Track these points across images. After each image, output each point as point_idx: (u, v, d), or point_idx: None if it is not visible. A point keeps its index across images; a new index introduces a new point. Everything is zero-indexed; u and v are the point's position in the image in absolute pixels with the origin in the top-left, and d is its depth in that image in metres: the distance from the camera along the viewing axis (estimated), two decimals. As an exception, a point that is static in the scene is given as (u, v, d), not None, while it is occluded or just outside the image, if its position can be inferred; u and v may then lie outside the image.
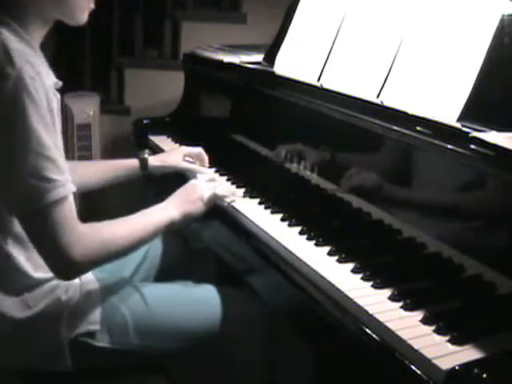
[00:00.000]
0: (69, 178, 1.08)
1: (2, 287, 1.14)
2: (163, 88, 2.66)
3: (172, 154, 1.73)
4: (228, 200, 1.49)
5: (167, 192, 1.39)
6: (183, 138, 2.08)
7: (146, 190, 1.98)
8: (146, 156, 1.66)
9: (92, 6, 1.18)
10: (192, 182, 1.44)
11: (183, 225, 1.37)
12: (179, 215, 1.31)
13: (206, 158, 1.73)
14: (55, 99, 1.10)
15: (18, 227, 1.11)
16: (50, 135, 1.05)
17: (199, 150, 1.73)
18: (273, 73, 1.75)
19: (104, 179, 1.59)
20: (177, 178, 1.67)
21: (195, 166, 1.70)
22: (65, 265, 1.08)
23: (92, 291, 1.22)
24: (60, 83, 1.17)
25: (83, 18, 1.18)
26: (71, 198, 1.09)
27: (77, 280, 1.21)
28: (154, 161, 1.66)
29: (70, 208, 1.08)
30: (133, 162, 1.65)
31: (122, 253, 1.20)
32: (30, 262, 1.15)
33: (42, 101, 1.04)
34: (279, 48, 1.79)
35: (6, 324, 1.14)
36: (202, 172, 1.66)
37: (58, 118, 1.11)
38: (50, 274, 1.15)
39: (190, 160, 1.71)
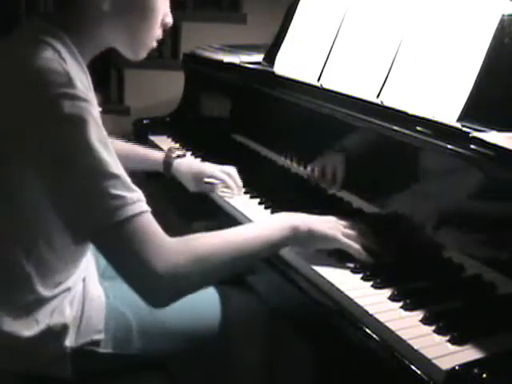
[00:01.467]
0: (141, 196, 1.00)
1: (11, 304, 1.10)
2: (163, 88, 2.66)
3: (196, 171, 1.62)
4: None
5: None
6: (183, 137, 2.08)
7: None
8: (172, 159, 1.64)
9: (155, 45, 1.15)
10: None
11: (305, 242, 1.19)
12: (305, 227, 1.16)
13: (231, 184, 1.58)
14: None
15: (42, 248, 1.07)
16: (111, 155, 0.99)
17: (222, 175, 1.59)
18: (273, 73, 1.75)
19: (130, 162, 1.49)
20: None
21: (212, 188, 1.58)
22: (152, 285, 0.98)
23: (96, 299, 1.19)
24: (100, 109, 1.16)
25: (143, 55, 1.15)
26: (148, 215, 0.99)
27: (80, 291, 1.18)
28: (177, 167, 1.63)
29: (148, 222, 0.98)
30: (159, 158, 1.65)
31: (223, 270, 1.07)
32: (43, 282, 1.10)
33: (99, 120, 1.00)
34: (279, 48, 1.79)
35: (13, 342, 1.10)
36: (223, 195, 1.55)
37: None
38: (58, 290, 1.12)
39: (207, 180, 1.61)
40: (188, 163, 1.68)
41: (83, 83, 1.02)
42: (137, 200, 0.98)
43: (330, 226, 1.20)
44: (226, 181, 1.57)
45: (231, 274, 1.12)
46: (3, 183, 1.05)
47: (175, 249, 0.99)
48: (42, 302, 1.12)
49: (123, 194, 0.97)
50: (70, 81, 0.97)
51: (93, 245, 1.05)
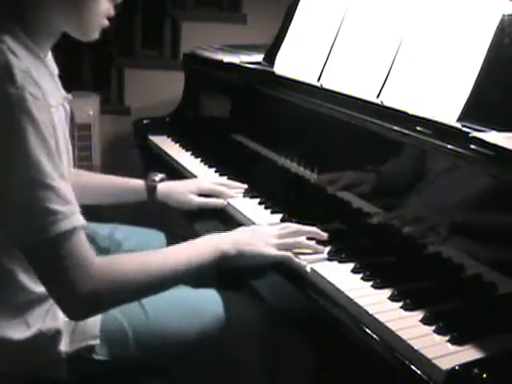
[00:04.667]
0: (76, 209, 0.99)
1: (4, 310, 1.09)
2: (163, 88, 2.66)
3: (182, 189, 1.54)
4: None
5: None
6: (183, 137, 2.08)
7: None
8: (156, 183, 1.53)
9: (106, 22, 1.10)
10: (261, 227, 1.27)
11: (236, 262, 1.19)
12: (233, 250, 1.16)
13: (233, 186, 1.57)
14: (63, 114, 1.04)
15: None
16: (52, 163, 0.95)
17: (219, 188, 1.55)
18: (273, 73, 1.75)
19: (107, 196, 1.51)
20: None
21: (210, 201, 1.52)
22: (70, 302, 1.00)
23: None
24: (70, 97, 1.10)
25: (94, 34, 1.10)
26: (79, 232, 0.98)
27: None
28: (162, 190, 1.53)
29: (77, 240, 0.97)
30: (140, 186, 1.53)
31: (140, 294, 1.11)
32: (31, 277, 1.09)
33: (46, 124, 0.96)
34: (279, 48, 1.79)
35: (3, 346, 1.09)
36: (221, 204, 1.51)
37: (65, 138, 1.04)
38: None
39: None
40: (178, 183, 1.58)
41: (33, 78, 0.95)
42: (70, 214, 0.97)
43: (261, 240, 1.20)
44: (228, 193, 1.53)
45: (154, 294, 1.12)
46: None
47: (98, 272, 1.00)
48: (34, 302, 1.10)
49: (57, 208, 0.95)
50: (10, 76, 0.92)
51: (23, 254, 1.02)
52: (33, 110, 0.93)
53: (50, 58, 1.18)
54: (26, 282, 1.09)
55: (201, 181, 1.61)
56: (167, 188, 1.55)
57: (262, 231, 1.24)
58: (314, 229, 1.25)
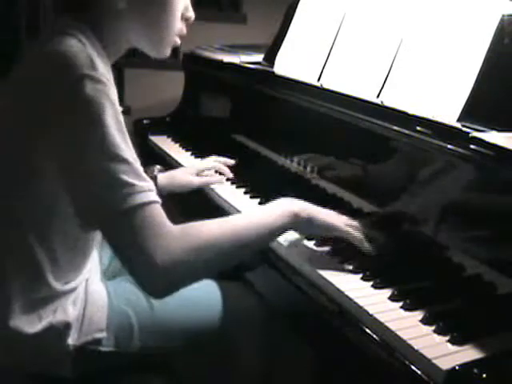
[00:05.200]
0: (152, 187, 1.01)
1: (22, 297, 1.09)
2: (163, 88, 2.66)
3: (183, 172, 1.67)
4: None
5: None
6: (183, 137, 2.08)
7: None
8: (156, 173, 1.60)
9: (178, 41, 1.16)
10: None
11: (305, 229, 1.21)
12: (305, 214, 1.17)
13: (224, 167, 1.69)
14: None
15: (54, 238, 1.07)
16: (127, 143, 1.00)
17: (212, 162, 1.70)
18: (273, 73, 1.75)
19: None
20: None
21: (209, 179, 1.66)
22: (151, 275, 0.98)
23: (98, 298, 1.19)
24: (121, 109, 1.15)
25: (167, 52, 1.16)
26: (156, 206, 0.99)
27: (83, 290, 1.17)
28: (162, 179, 1.60)
29: (154, 213, 0.98)
30: None
31: (223, 260, 1.07)
32: (55, 273, 1.10)
33: (119, 108, 1.01)
34: (279, 48, 1.79)
35: (14, 338, 1.09)
36: (220, 182, 1.64)
37: None
38: (67, 287, 1.12)
39: (204, 174, 1.68)
40: (176, 170, 1.68)
41: (106, 74, 1.02)
42: (147, 189, 0.99)
43: (331, 215, 1.21)
44: (205, 183, 1.63)
45: (232, 262, 1.11)
46: (22, 170, 1.05)
47: (177, 241, 0.99)
48: (49, 298, 1.11)
49: (133, 181, 0.97)
50: (92, 64, 0.98)
51: (99, 230, 1.05)
52: (110, 92, 0.99)
53: None
54: (50, 278, 1.10)
55: (194, 163, 1.74)
56: (167, 176, 1.62)
57: (333, 212, 1.24)
58: (364, 241, 1.21)
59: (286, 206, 1.17)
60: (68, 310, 1.13)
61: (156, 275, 0.98)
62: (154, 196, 1.00)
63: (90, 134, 0.97)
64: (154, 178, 1.58)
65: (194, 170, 1.67)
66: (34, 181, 1.04)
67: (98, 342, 1.16)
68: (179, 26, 1.15)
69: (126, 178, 0.97)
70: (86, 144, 0.98)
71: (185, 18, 1.16)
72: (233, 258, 1.10)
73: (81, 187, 1.00)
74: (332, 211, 1.24)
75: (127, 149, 0.99)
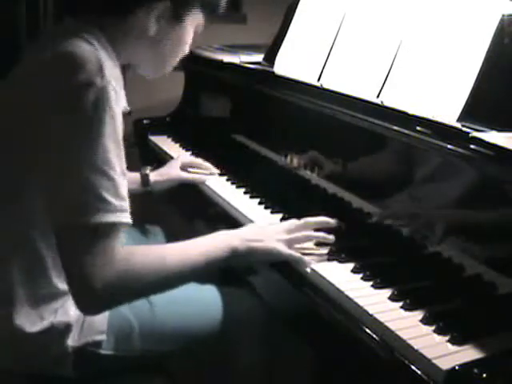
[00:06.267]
0: (127, 208, 1.00)
1: (25, 294, 1.10)
2: (163, 88, 2.65)
3: (171, 166, 1.73)
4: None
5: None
6: (183, 137, 2.08)
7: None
8: (148, 172, 1.66)
9: (175, 64, 1.22)
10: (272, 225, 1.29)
11: (246, 259, 1.19)
12: (244, 248, 1.16)
13: (207, 164, 1.74)
14: None
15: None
16: (119, 157, 1.00)
17: (195, 159, 1.77)
18: (273, 73, 1.75)
19: None
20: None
21: (197, 176, 1.71)
22: (84, 294, 1.01)
23: None
24: (128, 108, 1.16)
25: (166, 73, 1.24)
26: (118, 229, 1.00)
27: None
28: (154, 176, 1.67)
29: (113, 236, 0.98)
30: (134, 178, 1.64)
31: (156, 289, 1.10)
32: (58, 273, 1.10)
33: (120, 120, 1.02)
34: (279, 48, 1.79)
35: (16, 337, 1.10)
36: (207, 179, 1.67)
37: None
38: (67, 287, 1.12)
39: (191, 170, 1.73)
40: (164, 166, 1.74)
41: (116, 79, 1.04)
42: (120, 210, 0.98)
43: (271, 237, 1.20)
44: (193, 178, 1.69)
45: (168, 289, 1.12)
46: (18, 169, 1.06)
47: (117, 268, 1.00)
48: (52, 297, 1.12)
49: (110, 199, 0.97)
50: (100, 69, 0.98)
51: (55, 233, 1.03)
52: (113, 103, 0.99)
53: None
54: (53, 275, 1.11)
55: (181, 156, 1.81)
56: (158, 173, 1.70)
57: (271, 228, 1.25)
58: (321, 218, 1.26)
59: (225, 241, 1.16)
60: (69, 311, 1.13)
61: (88, 295, 1.00)
62: (124, 217, 1.00)
63: (82, 142, 0.97)
64: (147, 177, 1.65)
65: (179, 162, 1.73)
66: (29, 180, 1.05)
67: (98, 344, 1.16)
68: (184, 52, 1.23)
69: (104, 193, 0.96)
70: (76, 151, 0.97)
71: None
72: (165, 289, 1.12)
73: (58, 190, 0.99)
74: (271, 226, 1.25)
75: (118, 163, 0.99)
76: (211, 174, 1.72)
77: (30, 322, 1.10)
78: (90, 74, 0.97)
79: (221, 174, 1.72)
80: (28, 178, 1.05)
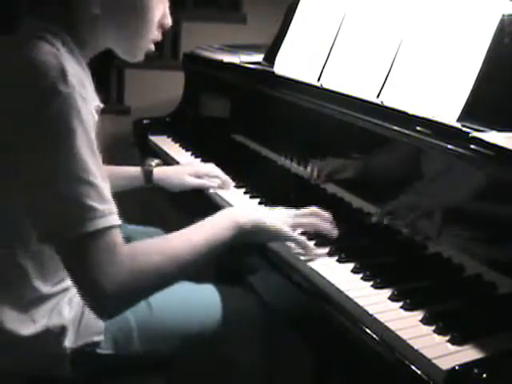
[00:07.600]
0: (114, 209, 0.99)
1: (9, 300, 1.09)
2: (163, 88, 2.66)
3: (177, 172, 1.64)
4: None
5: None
6: (183, 137, 2.08)
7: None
8: (152, 168, 1.60)
9: (152, 47, 1.16)
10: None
11: (251, 238, 1.18)
12: (249, 224, 1.15)
13: (222, 174, 1.63)
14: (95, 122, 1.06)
15: (34, 241, 1.06)
16: (96, 162, 0.97)
17: (209, 168, 1.65)
18: (273, 73, 1.75)
19: None
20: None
21: (201, 182, 1.61)
22: (99, 300, 0.99)
23: None
24: (101, 105, 1.13)
25: (140, 57, 1.15)
26: (112, 232, 0.98)
27: None
28: (158, 173, 1.60)
29: (109, 240, 0.97)
30: (137, 172, 1.59)
31: (169, 281, 1.07)
32: (41, 276, 1.10)
33: (91, 124, 0.99)
34: (279, 48, 1.79)
35: (10, 340, 1.10)
36: (211, 187, 1.60)
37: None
38: (56, 288, 1.12)
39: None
40: (174, 166, 1.69)
41: (81, 81, 1.00)
42: (107, 213, 0.97)
43: (278, 219, 1.20)
44: (197, 186, 1.61)
45: (180, 279, 1.11)
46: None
47: (126, 267, 0.98)
48: (40, 300, 1.11)
49: (95, 205, 0.95)
50: (63, 75, 0.94)
51: (55, 251, 1.02)
52: (81, 109, 0.96)
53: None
54: (36, 281, 1.10)
55: (196, 165, 1.73)
56: (164, 171, 1.62)
57: (277, 210, 1.25)
58: (326, 214, 1.26)
59: (231, 219, 1.15)
60: (64, 312, 1.13)
61: (103, 301, 0.99)
62: (113, 220, 0.98)
63: (56, 154, 0.95)
64: (150, 173, 1.59)
65: (192, 170, 1.63)
66: (5, 193, 1.04)
67: (96, 344, 1.16)
68: (155, 34, 1.14)
69: (87, 201, 0.95)
70: (52, 165, 0.95)
71: (161, 25, 1.15)
72: (178, 279, 1.10)
73: (43, 205, 0.97)
74: (286, 211, 1.24)
75: (95, 168, 0.97)
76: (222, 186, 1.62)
77: (22, 325, 1.09)
78: (53, 81, 0.94)
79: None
80: (3, 192, 1.04)
